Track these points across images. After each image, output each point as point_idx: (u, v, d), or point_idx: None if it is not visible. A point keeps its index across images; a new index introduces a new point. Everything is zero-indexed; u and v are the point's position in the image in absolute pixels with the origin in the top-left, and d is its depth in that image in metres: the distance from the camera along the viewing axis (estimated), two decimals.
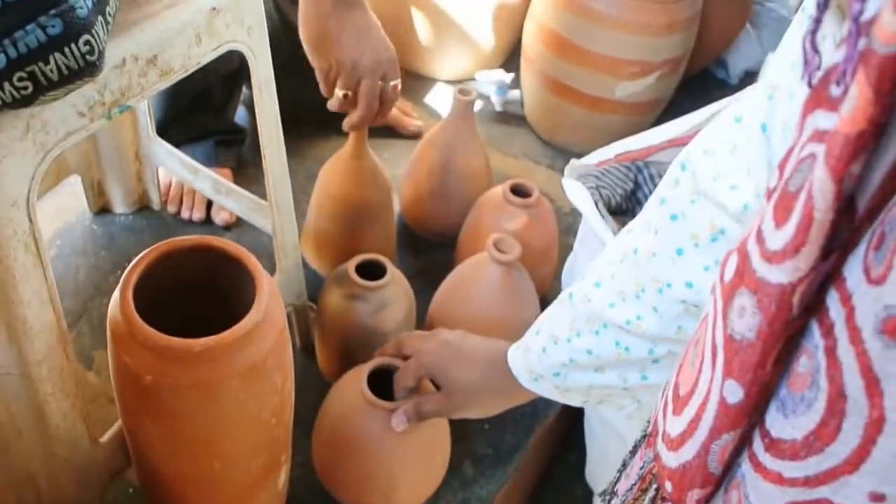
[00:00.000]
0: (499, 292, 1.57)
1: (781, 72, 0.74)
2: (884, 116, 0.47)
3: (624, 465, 0.92)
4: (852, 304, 0.49)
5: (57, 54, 0.83)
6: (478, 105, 2.35)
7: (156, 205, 1.99)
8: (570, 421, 1.99)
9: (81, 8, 0.83)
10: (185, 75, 1.11)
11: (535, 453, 1.81)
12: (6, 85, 0.82)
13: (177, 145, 1.82)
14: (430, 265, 1.97)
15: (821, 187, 0.49)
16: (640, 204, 1.87)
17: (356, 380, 1.35)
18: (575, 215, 1.66)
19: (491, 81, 2.53)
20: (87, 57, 0.85)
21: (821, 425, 0.51)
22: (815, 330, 0.53)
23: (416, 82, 2.60)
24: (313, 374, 1.69)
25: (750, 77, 2.75)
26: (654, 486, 0.76)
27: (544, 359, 1.08)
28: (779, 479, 0.56)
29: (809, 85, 0.57)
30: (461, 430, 1.51)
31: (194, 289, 1.17)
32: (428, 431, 1.36)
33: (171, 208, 1.99)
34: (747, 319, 0.57)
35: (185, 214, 1.98)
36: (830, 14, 0.58)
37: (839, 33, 0.54)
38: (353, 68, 1.51)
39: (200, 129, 2.01)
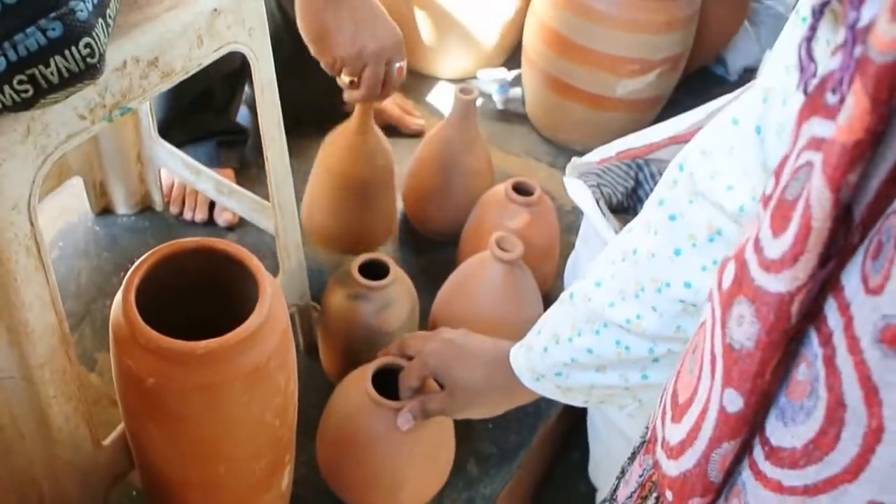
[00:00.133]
0: (501, 291, 1.56)
1: (776, 75, 0.74)
2: (881, 125, 0.47)
3: (623, 472, 0.92)
4: (850, 313, 0.49)
5: (57, 57, 0.82)
6: (479, 103, 2.35)
7: (158, 206, 1.99)
8: (573, 419, 1.99)
9: (82, 11, 0.83)
10: (186, 77, 1.11)
11: (539, 452, 1.81)
12: (6, 88, 0.82)
13: (179, 146, 1.82)
14: (432, 264, 1.97)
15: (818, 196, 0.49)
16: (640, 202, 1.87)
17: (361, 380, 1.35)
18: (577, 213, 1.67)
19: (492, 80, 2.52)
20: (88, 60, 0.85)
21: (820, 434, 0.51)
22: (814, 338, 0.53)
23: (417, 81, 2.60)
24: (317, 374, 1.69)
25: (749, 74, 2.76)
26: (654, 494, 0.76)
27: (546, 358, 1.09)
28: (779, 488, 0.56)
29: (805, 92, 0.56)
30: (466, 430, 1.51)
31: (197, 290, 1.17)
32: (433, 430, 1.36)
33: (174, 209, 1.99)
34: (746, 328, 0.57)
35: (187, 215, 1.98)
36: (825, 20, 0.58)
37: (834, 40, 0.54)
38: (356, 58, 1.49)
39: (202, 129, 2.01)
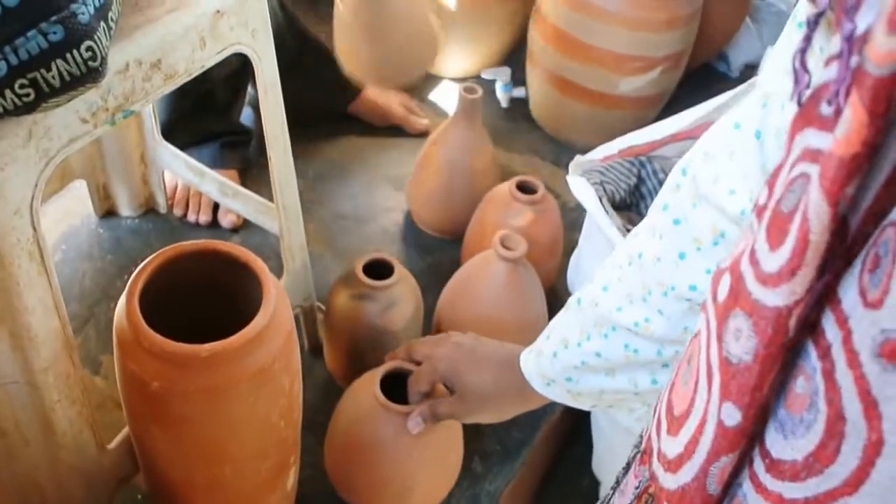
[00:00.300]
0: (505, 289, 1.57)
1: (775, 79, 0.74)
2: (878, 138, 0.47)
3: (617, 483, 0.92)
4: (849, 326, 0.49)
5: (59, 61, 0.82)
6: (483, 102, 2.35)
7: (162, 208, 1.98)
8: (577, 417, 1.99)
9: (83, 14, 0.82)
10: (189, 79, 1.11)
11: (542, 448, 1.82)
12: (7, 92, 0.82)
13: (182, 148, 1.82)
14: (437, 262, 1.98)
15: (816, 210, 0.49)
16: (643, 199, 1.88)
17: (369, 385, 1.35)
18: (580, 210, 1.67)
19: (496, 78, 2.53)
20: (90, 63, 0.84)
21: (820, 447, 0.51)
22: (812, 351, 0.53)
23: (421, 80, 2.59)
24: (322, 374, 1.70)
25: (750, 70, 2.76)
26: None
27: (556, 363, 1.09)
28: (780, 501, 0.56)
29: (799, 103, 0.56)
30: (470, 429, 1.50)
31: (201, 292, 1.17)
32: (442, 433, 1.36)
33: (178, 211, 1.99)
34: (743, 342, 0.57)
35: (191, 217, 1.98)
36: (820, 29, 0.57)
37: (828, 48, 0.54)
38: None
39: (206, 131, 2.01)
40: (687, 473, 0.65)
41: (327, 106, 2.28)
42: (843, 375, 0.49)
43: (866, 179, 0.49)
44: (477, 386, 1.22)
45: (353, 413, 1.37)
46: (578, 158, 1.76)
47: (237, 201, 1.68)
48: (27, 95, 0.83)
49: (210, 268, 1.14)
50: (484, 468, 1.60)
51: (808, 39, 0.57)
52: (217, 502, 1.22)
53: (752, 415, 0.57)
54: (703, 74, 2.67)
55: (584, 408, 1.15)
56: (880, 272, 0.46)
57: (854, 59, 0.47)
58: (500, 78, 2.52)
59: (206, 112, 1.98)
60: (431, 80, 2.61)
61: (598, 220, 1.62)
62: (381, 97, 2.33)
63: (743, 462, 0.60)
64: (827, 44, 0.56)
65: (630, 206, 1.89)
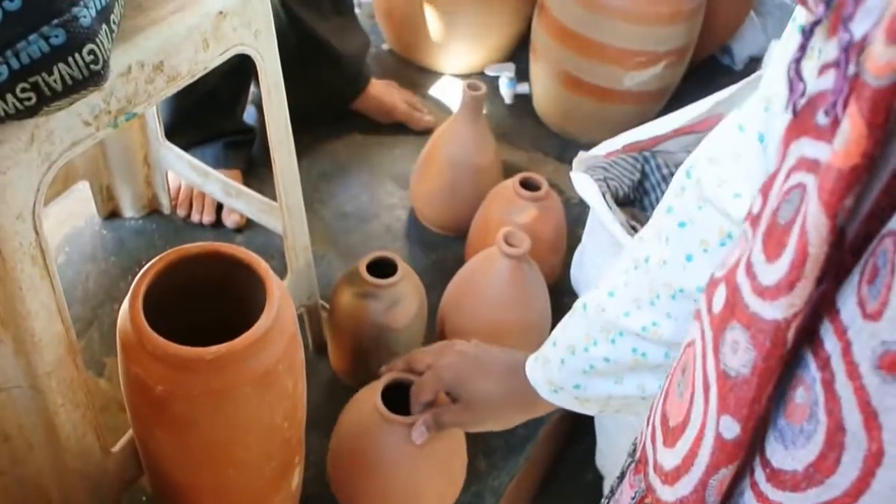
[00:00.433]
0: (509, 286, 1.57)
1: (776, 82, 0.73)
2: (877, 149, 0.46)
3: (612, 492, 0.92)
4: (848, 338, 0.49)
5: (60, 64, 0.81)
6: (487, 98, 2.35)
7: (165, 209, 1.98)
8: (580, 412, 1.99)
9: (85, 17, 0.81)
10: (192, 81, 1.10)
11: (546, 443, 1.82)
12: (9, 96, 0.81)
13: (186, 148, 1.82)
14: (440, 259, 1.99)
15: (815, 222, 0.49)
16: (647, 194, 1.88)
17: (369, 397, 1.34)
18: (584, 206, 1.67)
19: (500, 74, 2.53)
20: (92, 66, 0.84)
21: (820, 458, 0.51)
22: (811, 361, 0.52)
23: (425, 77, 2.60)
24: (326, 372, 1.70)
25: (754, 63, 2.75)
26: None
27: (563, 369, 1.08)
28: None
29: (794, 112, 0.55)
30: None
31: (204, 294, 1.17)
32: (445, 442, 1.35)
33: (181, 212, 1.98)
34: (741, 355, 0.57)
35: (195, 218, 1.97)
36: (816, 38, 0.57)
37: (824, 55, 0.53)
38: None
39: (209, 130, 2.00)
40: (685, 486, 0.65)
41: (331, 104, 2.27)
42: (843, 386, 0.49)
43: (864, 189, 0.49)
44: (484, 394, 1.21)
45: (355, 426, 1.36)
46: (582, 155, 1.76)
47: (241, 201, 1.68)
48: (29, 99, 0.82)
49: (214, 270, 1.14)
50: (488, 464, 1.61)
51: (803, 49, 0.56)
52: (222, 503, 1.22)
53: (751, 427, 0.57)
54: (708, 68, 2.67)
55: (591, 413, 1.14)
56: (879, 283, 0.46)
57: (851, 68, 0.47)
58: (505, 74, 2.52)
59: (209, 111, 1.98)
60: (435, 76, 2.61)
61: (602, 216, 1.62)
62: (386, 94, 2.33)
63: (742, 472, 0.60)
64: (823, 50, 0.56)
65: (633, 201, 1.89)
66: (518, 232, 1.57)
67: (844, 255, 0.51)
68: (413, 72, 2.59)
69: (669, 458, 0.68)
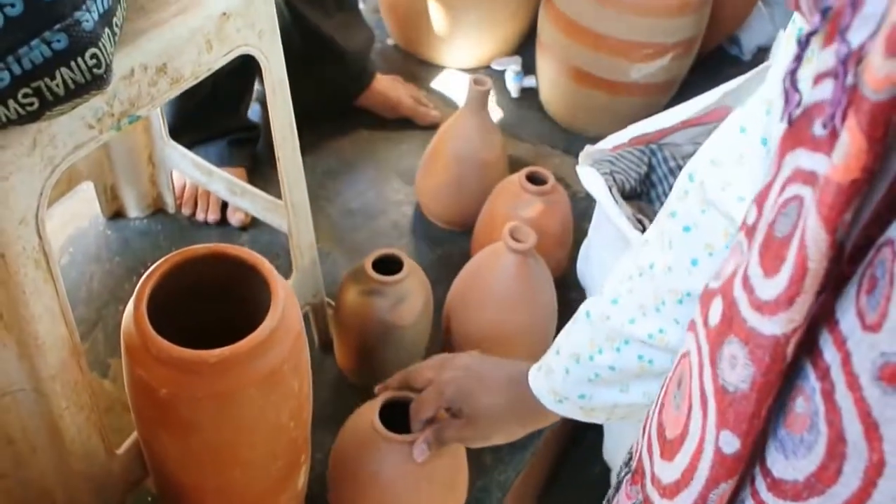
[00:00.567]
0: (515, 281, 1.56)
1: (778, 86, 0.73)
2: (877, 163, 0.46)
3: (608, 502, 0.92)
4: (847, 349, 0.49)
5: (63, 69, 0.81)
6: (493, 92, 2.34)
7: (170, 208, 1.97)
8: None
9: (87, 21, 0.81)
10: (196, 82, 1.10)
11: (553, 437, 1.82)
12: (11, 102, 0.81)
13: (190, 146, 1.81)
14: (447, 255, 1.98)
15: (814, 237, 0.49)
16: (654, 187, 1.88)
17: (366, 418, 1.31)
18: (591, 199, 1.67)
19: (507, 68, 2.53)
20: (94, 70, 0.84)
21: (821, 468, 0.51)
22: (810, 372, 0.52)
23: (431, 71, 2.59)
24: (332, 370, 1.69)
25: (762, 53, 2.73)
26: None
27: (567, 379, 1.07)
28: None
29: (789, 122, 0.55)
30: None
31: (209, 295, 1.16)
32: (447, 459, 1.32)
33: (186, 210, 1.98)
34: (740, 371, 0.56)
35: (200, 216, 1.97)
36: (811, 47, 0.56)
37: (817, 65, 0.53)
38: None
39: (214, 128, 2.00)
40: (685, 500, 0.64)
41: (335, 100, 2.27)
42: (843, 397, 0.49)
43: (863, 201, 0.48)
44: (487, 409, 1.19)
45: (353, 448, 1.33)
46: (588, 148, 1.75)
47: (245, 200, 1.68)
48: (31, 104, 0.82)
49: (218, 271, 1.14)
50: (494, 459, 1.60)
51: (798, 59, 0.56)
52: None
53: (751, 442, 0.57)
54: (716, 58, 2.65)
55: (597, 422, 1.14)
56: (878, 294, 0.46)
57: (849, 79, 0.47)
58: (511, 67, 2.52)
59: (214, 109, 1.97)
60: (441, 70, 2.60)
61: (608, 210, 1.62)
62: (391, 89, 2.33)
63: (743, 481, 0.60)
64: (818, 58, 0.55)
65: (640, 194, 1.88)
66: (524, 227, 1.56)
67: (843, 264, 0.50)
68: (418, 66, 2.59)
69: (668, 471, 0.67)
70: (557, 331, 1.17)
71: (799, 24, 0.68)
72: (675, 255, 0.90)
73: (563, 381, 1.08)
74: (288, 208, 1.44)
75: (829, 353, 0.50)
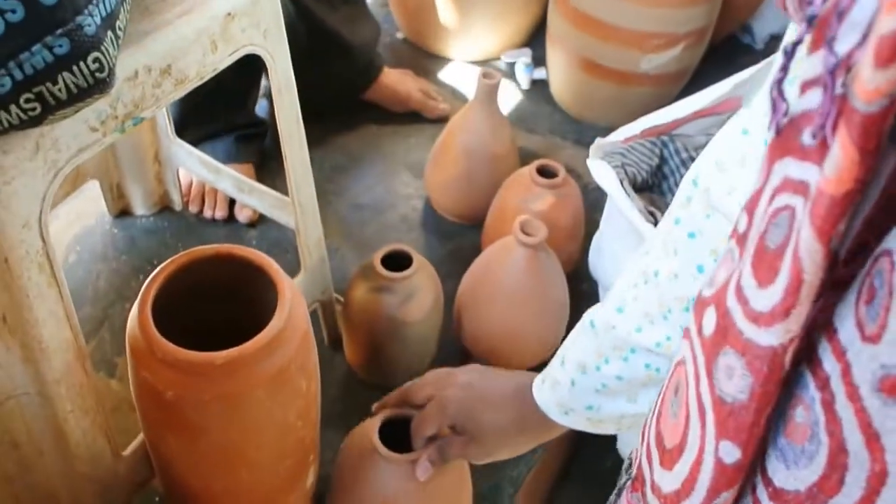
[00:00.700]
0: (526, 275, 1.56)
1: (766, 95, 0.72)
2: (869, 174, 0.45)
3: None
4: (847, 359, 0.48)
5: (65, 73, 0.81)
6: (504, 84, 2.34)
7: (177, 205, 1.97)
8: None
9: (89, 25, 0.80)
10: (200, 83, 1.09)
11: (564, 432, 1.80)
12: (13, 107, 0.80)
13: (197, 142, 1.81)
14: (457, 249, 1.98)
15: (808, 249, 0.48)
16: (665, 179, 1.87)
17: (365, 438, 1.26)
18: (602, 191, 1.66)
19: (517, 60, 2.53)
20: (97, 74, 0.83)
21: (823, 478, 0.51)
22: (810, 381, 0.52)
23: (440, 64, 2.59)
24: (342, 366, 1.69)
25: (775, 41, 2.72)
26: None
27: (574, 390, 1.06)
28: None
29: (777, 131, 0.54)
30: None
31: (216, 295, 1.16)
32: (450, 476, 1.29)
33: (193, 208, 1.97)
34: (737, 381, 0.56)
35: (207, 214, 1.96)
36: (798, 56, 0.55)
37: (804, 72, 0.52)
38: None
39: (221, 125, 2.00)
40: None
41: (342, 95, 2.27)
42: (844, 408, 0.48)
43: (856, 210, 0.48)
44: (494, 425, 1.17)
45: (353, 471, 1.28)
46: (599, 141, 1.75)
47: (253, 197, 1.67)
48: (33, 109, 0.81)
49: (225, 271, 1.14)
50: None
51: (785, 69, 0.55)
52: None
53: (752, 451, 0.56)
54: (728, 47, 2.65)
55: (606, 433, 1.12)
56: (877, 305, 0.46)
57: (838, 88, 0.46)
58: (521, 60, 2.52)
59: (220, 106, 1.97)
60: (450, 63, 2.60)
61: (620, 203, 1.61)
62: (400, 83, 2.32)
63: (744, 492, 0.60)
64: (804, 65, 0.54)
65: (652, 186, 1.87)
66: (534, 220, 1.56)
67: (836, 273, 0.50)
68: (427, 60, 2.58)
69: (668, 480, 0.67)
70: (569, 325, 1.16)
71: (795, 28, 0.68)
72: (680, 261, 0.89)
73: (569, 392, 1.06)
74: (295, 207, 1.44)
75: (829, 364, 0.50)
